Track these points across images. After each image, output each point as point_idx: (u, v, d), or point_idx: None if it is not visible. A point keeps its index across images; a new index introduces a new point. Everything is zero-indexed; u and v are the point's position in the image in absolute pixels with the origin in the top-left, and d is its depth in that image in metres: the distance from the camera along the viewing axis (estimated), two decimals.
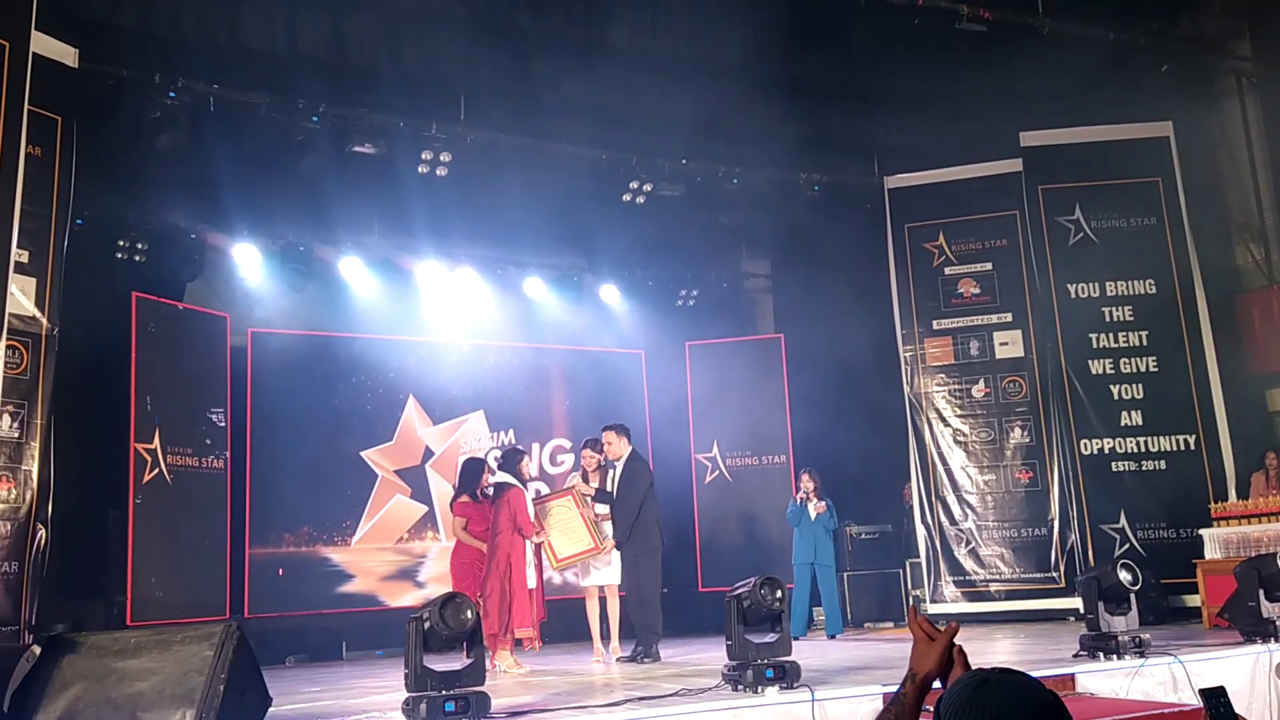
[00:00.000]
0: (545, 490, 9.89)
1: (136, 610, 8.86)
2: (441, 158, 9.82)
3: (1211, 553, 8.87)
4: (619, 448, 8.35)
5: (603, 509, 8.30)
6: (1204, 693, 2.07)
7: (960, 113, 10.93)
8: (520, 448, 8.61)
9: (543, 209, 10.90)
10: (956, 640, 2.05)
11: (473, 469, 8.34)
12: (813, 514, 10.03)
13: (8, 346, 7.22)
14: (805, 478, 10.25)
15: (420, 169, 9.88)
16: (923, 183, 11.38)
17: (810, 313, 12.24)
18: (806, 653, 7.04)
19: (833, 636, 9.91)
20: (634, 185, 10.71)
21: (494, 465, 8.57)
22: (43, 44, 7.67)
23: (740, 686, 5.43)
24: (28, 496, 7.48)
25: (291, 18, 8.94)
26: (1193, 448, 10.15)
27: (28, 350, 7.65)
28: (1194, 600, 9.11)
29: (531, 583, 7.84)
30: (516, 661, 7.74)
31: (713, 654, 7.64)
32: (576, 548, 8.14)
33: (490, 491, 8.11)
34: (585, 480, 8.46)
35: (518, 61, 9.74)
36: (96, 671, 4.34)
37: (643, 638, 8.05)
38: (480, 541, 7.96)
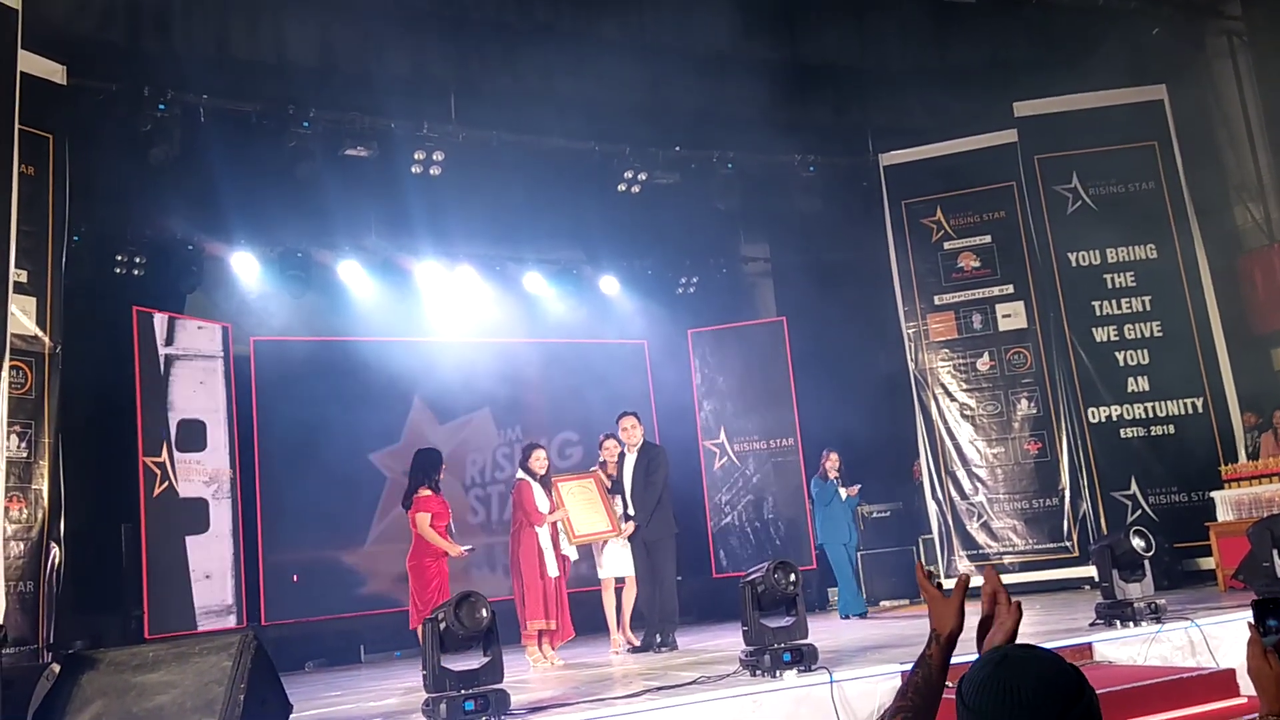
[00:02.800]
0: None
1: (154, 623, 8.89)
2: (435, 157, 9.82)
3: (1224, 515, 8.87)
4: (637, 435, 8.41)
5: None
6: (1256, 604, 2.03)
7: (952, 86, 10.88)
8: (538, 442, 8.53)
9: (539, 203, 10.89)
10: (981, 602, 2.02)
11: (431, 459, 7.87)
12: (844, 495, 9.99)
13: (11, 367, 7.22)
14: (833, 456, 10.14)
15: (414, 169, 9.88)
16: (918, 158, 11.34)
17: (811, 294, 12.21)
18: (823, 634, 7.06)
19: (861, 615, 9.90)
20: (628, 175, 10.70)
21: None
22: (30, 62, 7.65)
23: (758, 671, 5.45)
24: (39, 515, 7.49)
25: (278, 25, 8.92)
26: (1200, 411, 10.13)
27: (31, 370, 7.65)
28: (1208, 563, 9.12)
29: (553, 571, 7.81)
30: (544, 654, 7.74)
31: (729, 639, 7.66)
32: (595, 527, 8.17)
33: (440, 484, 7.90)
34: (604, 470, 8.48)
35: (506, 57, 9.72)
36: (116, 687, 4.35)
37: (660, 626, 8.08)
38: (443, 539, 7.58)
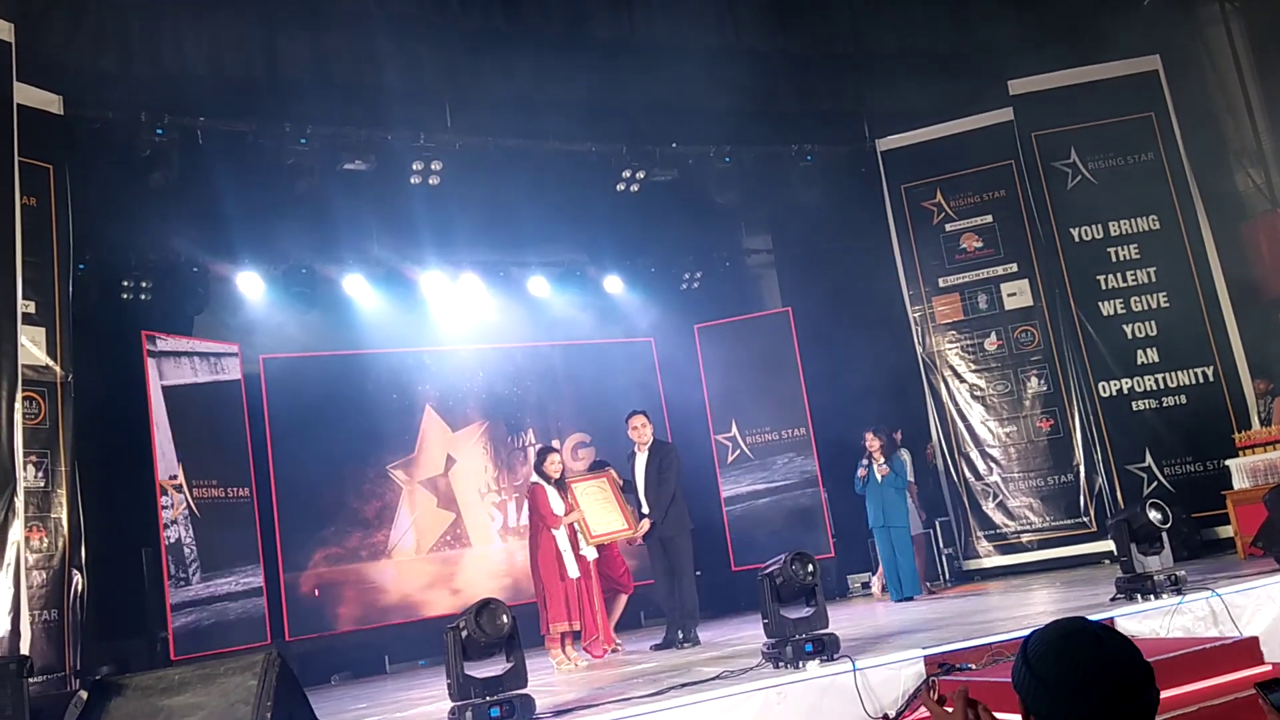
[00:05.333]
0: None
1: (179, 644, 8.94)
2: (433, 167, 9.85)
3: (1240, 483, 8.85)
4: (647, 433, 8.43)
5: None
6: (1260, 685, 1.98)
7: (946, 68, 10.88)
8: (551, 446, 8.58)
9: (539, 207, 10.91)
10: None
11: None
12: (878, 475, 9.76)
13: (24, 398, 7.27)
14: (869, 437, 9.85)
15: (413, 180, 9.91)
16: (915, 142, 11.34)
17: (816, 283, 12.23)
18: (844, 623, 7.07)
19: (910, 598, 9.63)
20: (626, 174, 10.72)
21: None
22: (26, 94, 7.71)
23: (781, 663, 5.46)
24: (60, 544, 7.55)
25: (270, 43, 8.96)
26: (1211, 379, 10.11)
27: (44, 399, 7.71)
28: (1226, 532, 9.11)
29: (573, 573, 7.84)
30: (567, 656, 7.77)
31: (750, 632, 7.68)
32: (611, 526, 8.21)
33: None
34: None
35: (499, 63, 9.75)
36: (144, 712, 4.38)
37: (682, 623, 8.10)
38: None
